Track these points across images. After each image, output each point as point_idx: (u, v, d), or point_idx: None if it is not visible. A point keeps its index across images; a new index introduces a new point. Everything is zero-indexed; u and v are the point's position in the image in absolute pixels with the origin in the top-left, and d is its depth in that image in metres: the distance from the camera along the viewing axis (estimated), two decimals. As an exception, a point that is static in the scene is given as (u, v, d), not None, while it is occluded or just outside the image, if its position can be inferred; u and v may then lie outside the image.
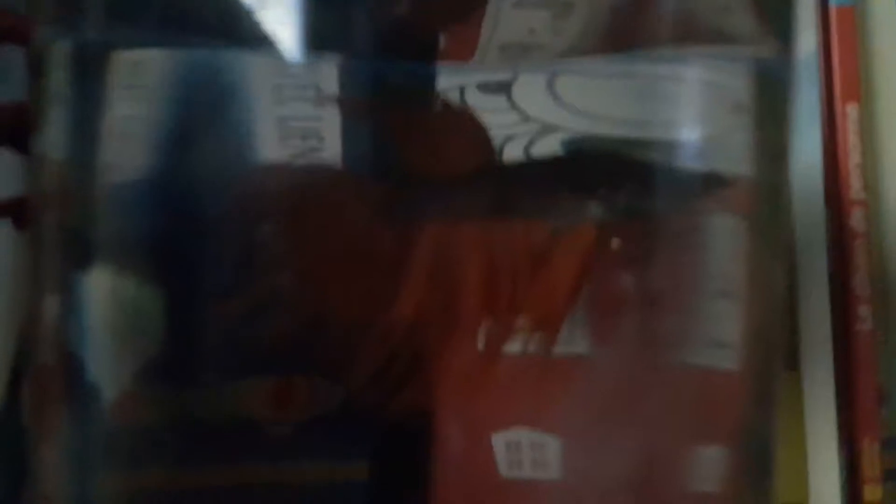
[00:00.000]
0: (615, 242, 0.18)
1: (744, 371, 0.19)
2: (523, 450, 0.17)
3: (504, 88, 0.18)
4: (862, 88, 0.35)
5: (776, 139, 0.19)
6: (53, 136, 0.18)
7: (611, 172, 0.18)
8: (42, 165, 0.18)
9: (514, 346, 0.18)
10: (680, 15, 0.18)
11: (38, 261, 0.18)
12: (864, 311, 0.34)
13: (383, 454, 0.17)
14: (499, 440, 0.17)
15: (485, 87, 0.18)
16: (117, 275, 0.17)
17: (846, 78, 0.35)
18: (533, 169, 0.18)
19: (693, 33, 0.19)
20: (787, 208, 0.22)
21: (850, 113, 0.35)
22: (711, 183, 0.19)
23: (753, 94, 0.19)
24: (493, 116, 0.18)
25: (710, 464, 0.19)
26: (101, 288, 0.18)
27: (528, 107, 0.18)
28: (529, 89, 0.18)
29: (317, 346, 0.17)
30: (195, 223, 0.17)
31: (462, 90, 0.18)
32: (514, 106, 0.18)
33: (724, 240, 0.19)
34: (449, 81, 0.18)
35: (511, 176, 0.18)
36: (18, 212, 0.26)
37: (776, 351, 0.21)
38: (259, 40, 0.16)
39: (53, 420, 0.18)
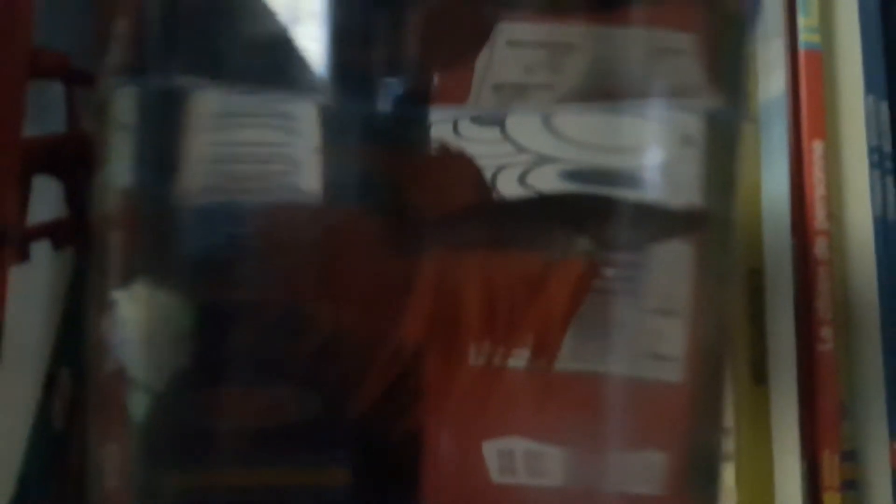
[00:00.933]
0: (599, 271, 0.19)
1: (688, 383, 0.20)
2: (516, 457, 0.18)
3: (497, 122, 0.19)
4: (827, 126, 0.36)
5: (727, 173, 0.21)
6: (120, 168, 0.19)
7: (594, 210, 0.19)
8: (108, 193, 0.20)
9: (509, 362, 0.18)
10: (647, 75, 0.20)
11: (99, 279, 0.20)
12: (826, 332, 0.35)
13: (377, 461, 0.18)
14: (491, 448, 0.18)
15: (478, 120, 0.19)
16: (163, 290, 0.19)
17: (813, 116, 0.36)
18: (524, 206, 0.19)
19: (656, 90, 0.20)
20: (734, 236, 0.23)
21: (815, 149, 0.36)
22: (682, 218, 0.20)
23: (703, 132, 0.20)
24: (487, 147, 0.19)
25: (651, 467, 0.19)
26: (143, 304, 0.20)
27: (522, 139, 0.19)
28: (523, 122, 0.19)
29: (330, 361, 0.18)
30: (236, 247, 0.19)
31: (455, 123, 0.19)
32: (507, 138, 0.19)
33: (672, 263, 0.20)
34: (442, 115, 0.19)
35: (504, 211, 0.19)
36: (56, 233, 0.28)
37: (722, 366, 0.22)
38: (298, 84, 0.18)
39: (116, 423, 0.19)
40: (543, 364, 0.18)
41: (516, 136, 0.19)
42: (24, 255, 0.27)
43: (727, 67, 0.21)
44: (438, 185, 0.19)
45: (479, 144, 0.19)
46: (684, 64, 0.20)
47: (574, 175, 0.19)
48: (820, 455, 0.34)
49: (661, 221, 0.20)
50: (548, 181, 0.19)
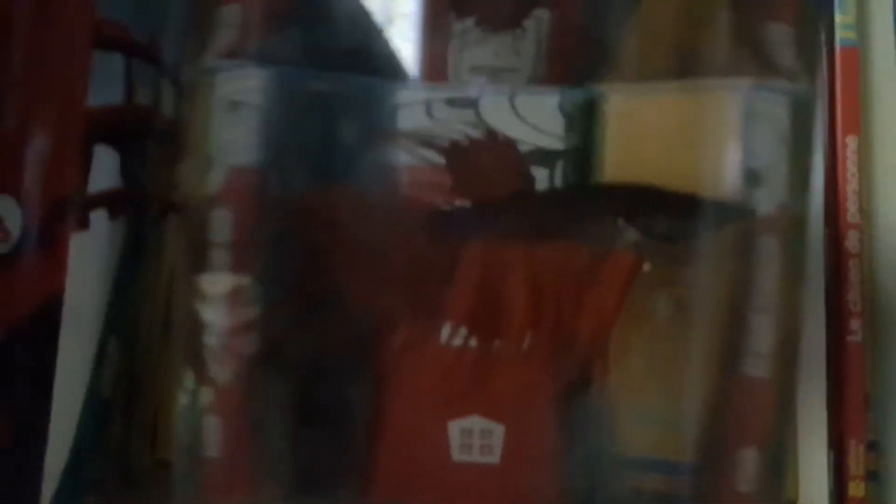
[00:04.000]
0: (647, 266, 0.19)
1: (773, 378, 0.20)
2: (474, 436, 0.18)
3: (472, 104, 0.20)
4: (861, 122, 0.36)
5: (805, 167, 0.21)
6: (234, 146, 0.20)
7: (646, 201, 0.19)
8: (211, 171, 0.20)
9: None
10: (732, 47, 0.20)
11: (193, 253, 0.20)
12: (855, 324, 0.35)
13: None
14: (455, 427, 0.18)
15: (453, 102, 0.20)
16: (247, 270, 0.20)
17: (847, 112, 0.36)
18: (569, 196, 0.19)
19: (743, 65, 0.20)
20: (808, 231, 0.23)
21: (849, 144, 0.36)
22: (738, 213, 0.20)
23: (792, 125, 0.21)
24: (461, 128, 0.19)
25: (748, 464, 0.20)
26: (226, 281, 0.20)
27: (494, 121, 0.20)
28: (495, 106, 0.19)
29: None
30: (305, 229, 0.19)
31: (428, 104, 0.19)
32: (481, 120, 0.19)
33: (763, 260, 0.20)
34: (418, 96, 0.20)
35: (548, 201, 0.19)
36: (113, 202, 0.28)
37: (798, 361, 0.22)
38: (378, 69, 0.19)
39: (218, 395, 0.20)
40: (594, 356, 0.19)
41: (488, 118, 0.19)
42: (84, 224, 0.27)
43: (807, 44, 0.21)
44: (482, 173, 0.19)
45: (455, 125, 0.19)
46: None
47: (534, 154, 0.19)
48: (846, 445, 0.34)
49: (709, 213, 0.20)
50: None
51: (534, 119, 0.19)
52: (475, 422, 0.18)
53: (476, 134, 0.19)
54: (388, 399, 0.19)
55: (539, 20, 0.20)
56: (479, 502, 0.19)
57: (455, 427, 0.18)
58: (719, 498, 0.19)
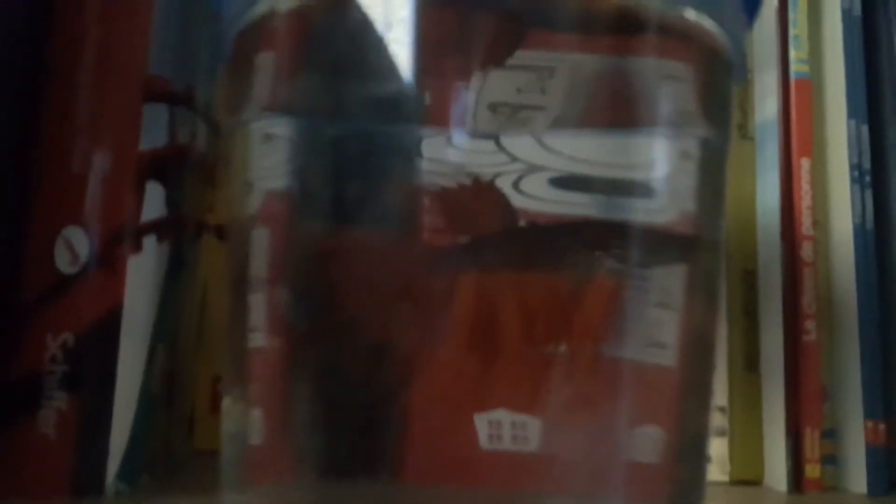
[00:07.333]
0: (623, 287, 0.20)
1: (679, 367, 0.21)
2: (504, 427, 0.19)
3: (492, 136, 0.20)
4: (814, 146, 0.39)
5: (717, 199, 0.23)
6: (267, 174, 0.22)
7: (615, 233, 0.20)
8: (250, 195, 0.22)
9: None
10: (649, 104, 0.21)
11: (239, 266, 0.22)
12: (810, 325, 0.37)
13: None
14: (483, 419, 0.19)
15: (474, 134, 0.20)
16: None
17: (801, 137, 0.38)
18: (551, 231, 0.20)
19: (657, 120, 0.21)
20: (722, 242, 0.24)
21: (803, 165, 0.38)
22: (683, 244, 0.22)
23: (698, 148, 0.22)
24: (482, 157, 0.20)
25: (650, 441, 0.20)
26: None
27: (515, 150, 0.20)
28: (516, 136, 0.20)
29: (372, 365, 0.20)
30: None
31: (449, 136, 0.20)
32: (501, 149, 0.20)
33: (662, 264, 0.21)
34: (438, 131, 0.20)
35: (531, 236, 0.20)
36: (160, 229, 0.32)
37: (711, 354, 0.23)
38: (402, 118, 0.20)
39: (275, 385, 0.21)
40: (580, 369, 0.20)
41: (509, 148, 0.20)
42: (138, 247, 0.31)
43: (716, 101, 0.23)
44: (469, 212, 0.20)
45: (475, 154, 0.20)
46: (682, 92, 0.22)
47: (561, 182, 0.20)
48: (803, 432, 0.37)
49: (668, 244, 0.21)
50: (538, 187, 0.20)
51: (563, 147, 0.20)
52: (502, 414, 0.19)
53: (463, 180, 0.20)
54: (413, 395, 0.20)
55: (573, 63, 0.20)
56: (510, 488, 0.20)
57: (482, 419, 0.19)
58: (619, 466, 0.20)
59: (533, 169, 0.20)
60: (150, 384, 0.32)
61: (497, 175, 0.20)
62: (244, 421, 0.22)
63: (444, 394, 0.20)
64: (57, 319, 0.29)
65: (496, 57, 0.20)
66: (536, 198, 0.20)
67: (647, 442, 0.20)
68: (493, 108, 0.20)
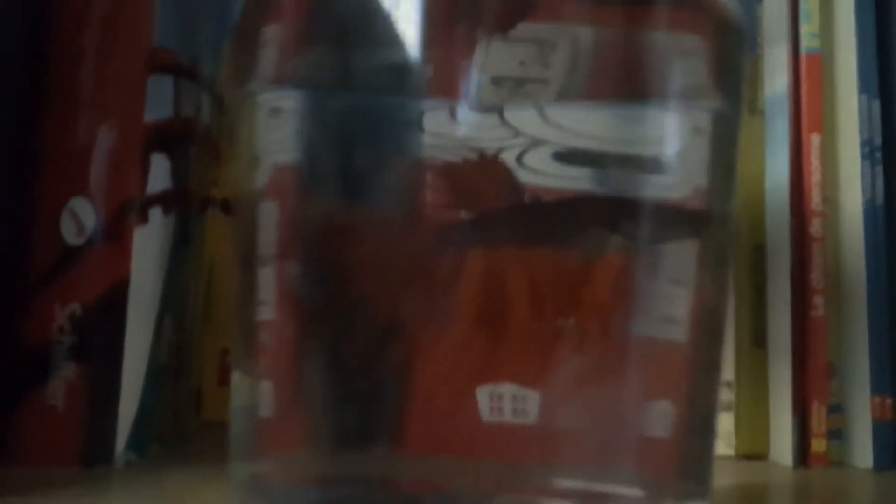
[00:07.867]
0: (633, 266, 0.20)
1: (689, 342, 0.21)
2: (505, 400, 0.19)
3: (495, 109, 0.20)
4: (824, 121, 0.38)
5: (728, 174, 0.23)
6: (276, 147, 0.22)
7: (624, 210, 0.20)
8: (258, 169, 0.22)
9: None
10: (660, 77, 0.21)
11: (246, 239, 0.22)
12: (818, 301, 0.37)
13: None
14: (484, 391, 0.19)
15: (478, 107, 0.20)
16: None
17: (812, 112, 0.38)
18: (558, 207, 0.20)
19: (668, 93, 0.21)
20: (733, 217, 0.24)
21: (813, 141, 0.38)
22: (695, 219, 0.22)
23: (711, 123, 0.22)
24: (486, 131, 0.20)
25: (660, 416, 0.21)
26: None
27: (518, 124, 0.20)
28: (519, 110, 0.20)
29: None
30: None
31: (452, 109, 0.20)
32: (504, 123, 0.20)
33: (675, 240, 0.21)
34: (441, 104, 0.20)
35: (538, 212, 0.20)
36: (166, 201, 0.32)
37: (721, 329, 0.23)
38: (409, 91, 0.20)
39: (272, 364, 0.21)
40: (589, 344, 0.20)
41: (513, 121, 0.20)
42: (144, 219, 0.31)
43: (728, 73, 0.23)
44: (476, 187, 0.20)
45: (479, 128, 0.20)
46: (695, 65, 0.22)
47: (564, 156, 0.20)
48: (810, 407, 0.37)
49: (681, 220, 0.21)
50: (542, 161, 0.20)
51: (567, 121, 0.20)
52: (504, 388, 0.19)
53: (468, 155, 0.20)
54: (416, 370, 0.20)
55: (574, 35, 0.20)
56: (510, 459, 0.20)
57: (483, 392, 0.19)
58: (630, 441, 0.20)
59: (536, 143, 0.20)
60: (158, 355, 0.32)
61: (501, 149, 0.20)
62: (253, 394, 0.22)
63: (451, 368, 0.20)
64: (64, 290, 0.29)
65: (503, 26, 0.20)
66: (539, 172, 0.20)
67: (658, 417, 0.21)
68: (497, 81, 0.20)
